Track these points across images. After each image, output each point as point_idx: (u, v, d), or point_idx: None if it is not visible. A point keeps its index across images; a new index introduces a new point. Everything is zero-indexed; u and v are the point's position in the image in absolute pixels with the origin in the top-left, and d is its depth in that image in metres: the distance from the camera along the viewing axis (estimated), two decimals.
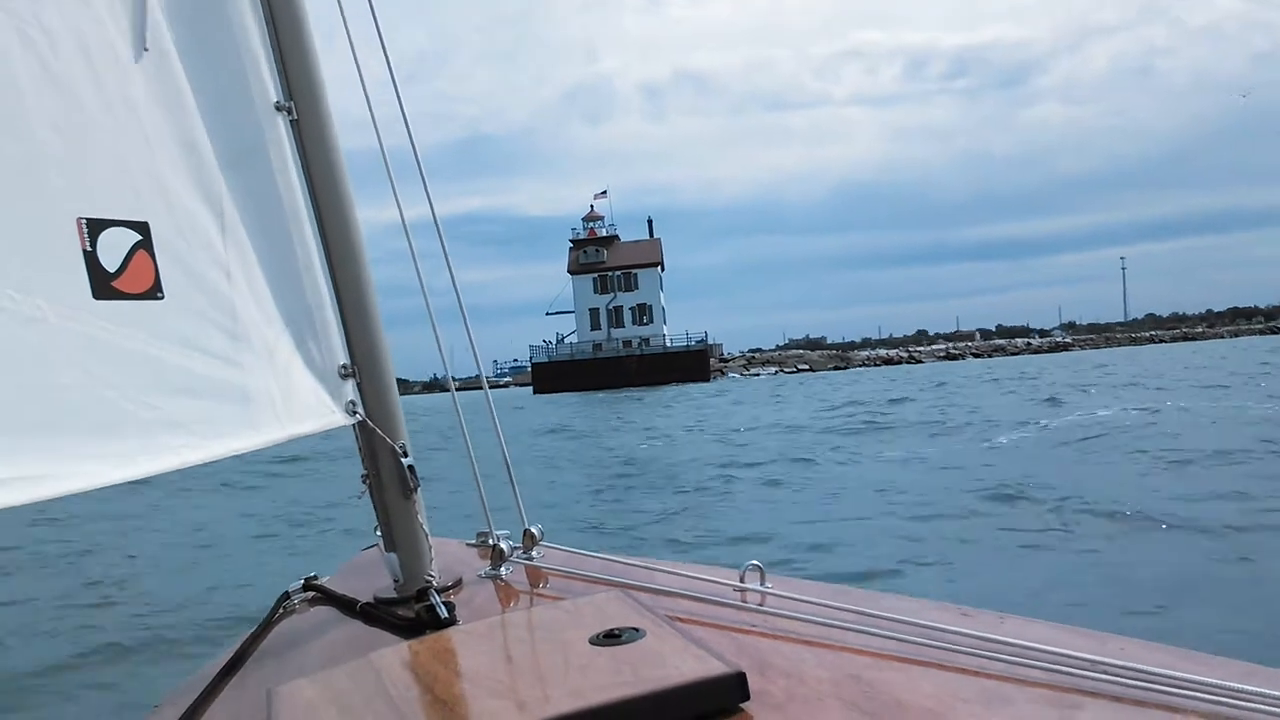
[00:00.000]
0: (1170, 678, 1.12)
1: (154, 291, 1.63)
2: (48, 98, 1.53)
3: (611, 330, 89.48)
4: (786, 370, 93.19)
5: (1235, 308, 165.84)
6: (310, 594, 2.13)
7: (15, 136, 1.48)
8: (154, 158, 1.68)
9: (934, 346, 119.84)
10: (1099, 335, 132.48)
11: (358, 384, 1.94)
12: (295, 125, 1.90)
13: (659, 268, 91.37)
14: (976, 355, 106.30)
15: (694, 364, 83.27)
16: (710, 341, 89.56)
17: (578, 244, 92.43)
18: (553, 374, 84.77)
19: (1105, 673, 1.16)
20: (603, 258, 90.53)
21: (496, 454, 2.21)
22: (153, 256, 1.64)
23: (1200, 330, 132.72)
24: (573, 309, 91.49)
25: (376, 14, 2.08)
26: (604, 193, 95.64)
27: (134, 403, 1.58)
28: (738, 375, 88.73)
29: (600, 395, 63.63)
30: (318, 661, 1.69)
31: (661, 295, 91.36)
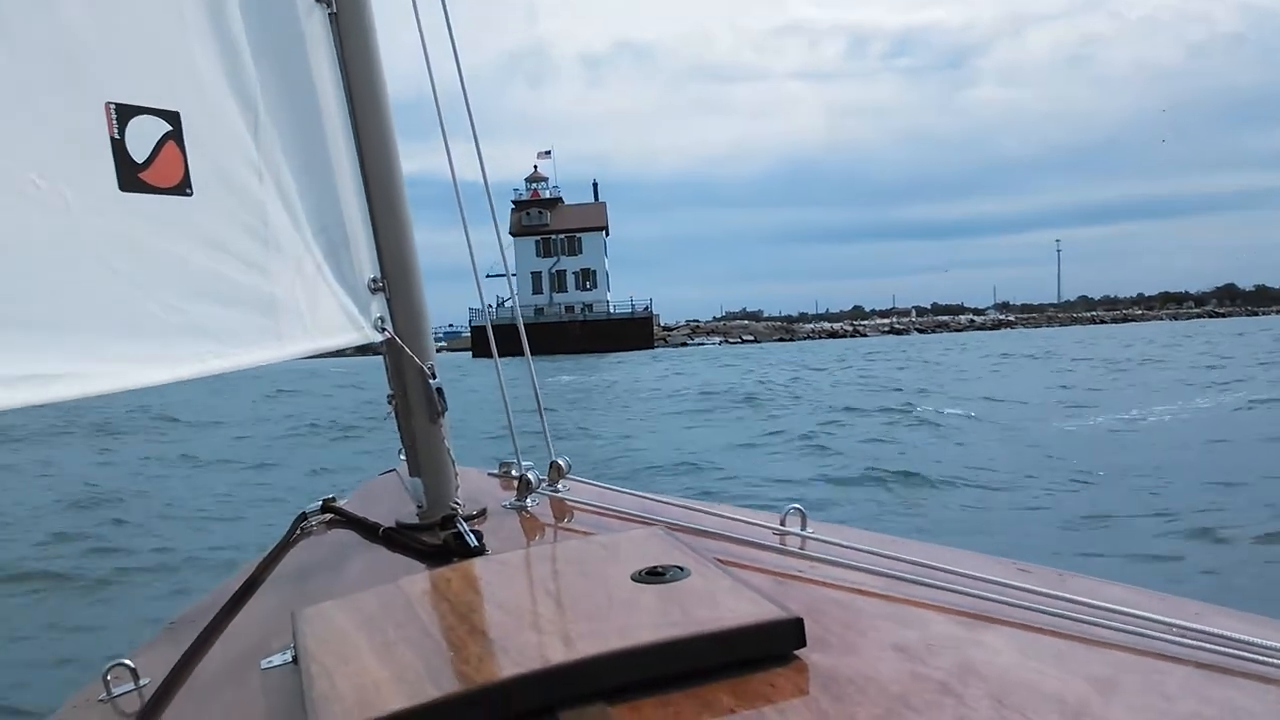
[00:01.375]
0: (1258, 645, 1.07)
1: (183, 187, 1.56)
2: None
3: (554, 295, 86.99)
4: (731, 341, 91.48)
5: (1166, 292, 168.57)
6: (328, 516, 2.08)
7: (46, 15, 1.40)
8: (189, 44, 1.60)
9: (879, 321, 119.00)
10: (1040, 314, 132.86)
11: (387, 299, 1.89)
12: (334, 19, 1.82)
13: (604, 232, 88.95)
14: (921, 330, 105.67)
15: (637, 332, 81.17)
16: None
17: (520, 205, 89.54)
18: (501, 336, 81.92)
19: (1185, 637, 1.11)
20: (546, 220, 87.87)
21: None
22: (182, 149, 1.56)
23: (1140, 313, 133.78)
24: (514, 273, 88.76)
25: None
26: (548, 153, 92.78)
27: (158, 304, 1.51)
28: (692, 344, 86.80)
29: (544, 361, 61.39)
30: (340, 586, 1.65)
31: (606, 261, 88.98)
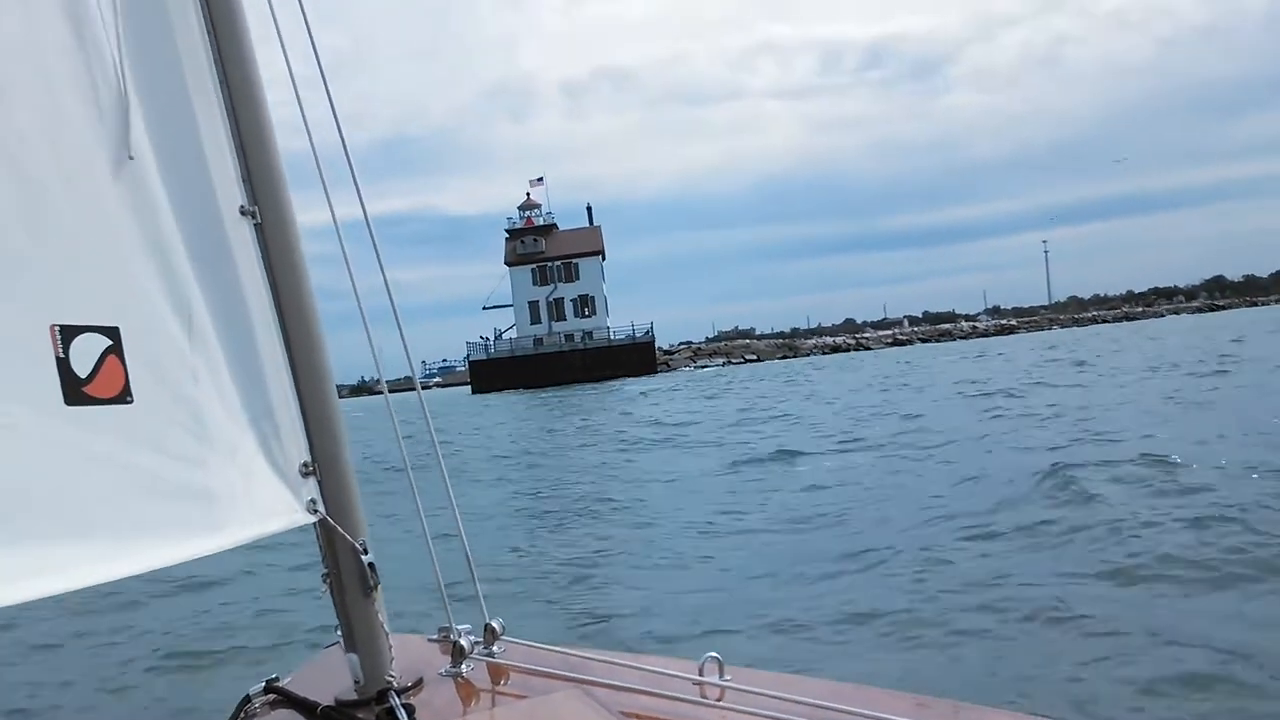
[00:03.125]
0: None
1: (124, 395, 1.65)
2: (23, 205, 1.55)
3: (553, 324, 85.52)
4: (734, 361, 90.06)
5: (1156, 288, 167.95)
6: (271, 697, 2.08)
7: None
8: (125, 262, 1.71)
9: (881, 333, 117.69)
10: (1041, 317, 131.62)
11: (319, 481, 1.94)
12: (260, 229, 1.93)
13: (600, 257, 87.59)
14: (924, 340, 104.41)
15: (640, 358, 79.69)
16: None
17: (514, 234, 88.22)
18: (492, 372, 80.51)
19: None
20: (541, 248, 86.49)
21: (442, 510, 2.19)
22: (123, 361, 1.65)
23: (1140, 310, 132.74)
24: (511, 303, 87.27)
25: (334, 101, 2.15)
26: (540, 180, 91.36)
27: (104, 507, 1.60)
28: (694, 367, 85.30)
29: (548, 394, 59.82)
30: None
31: (604, 286, 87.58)
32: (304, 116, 2.11)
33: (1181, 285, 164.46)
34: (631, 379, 69.04)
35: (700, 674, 1.68)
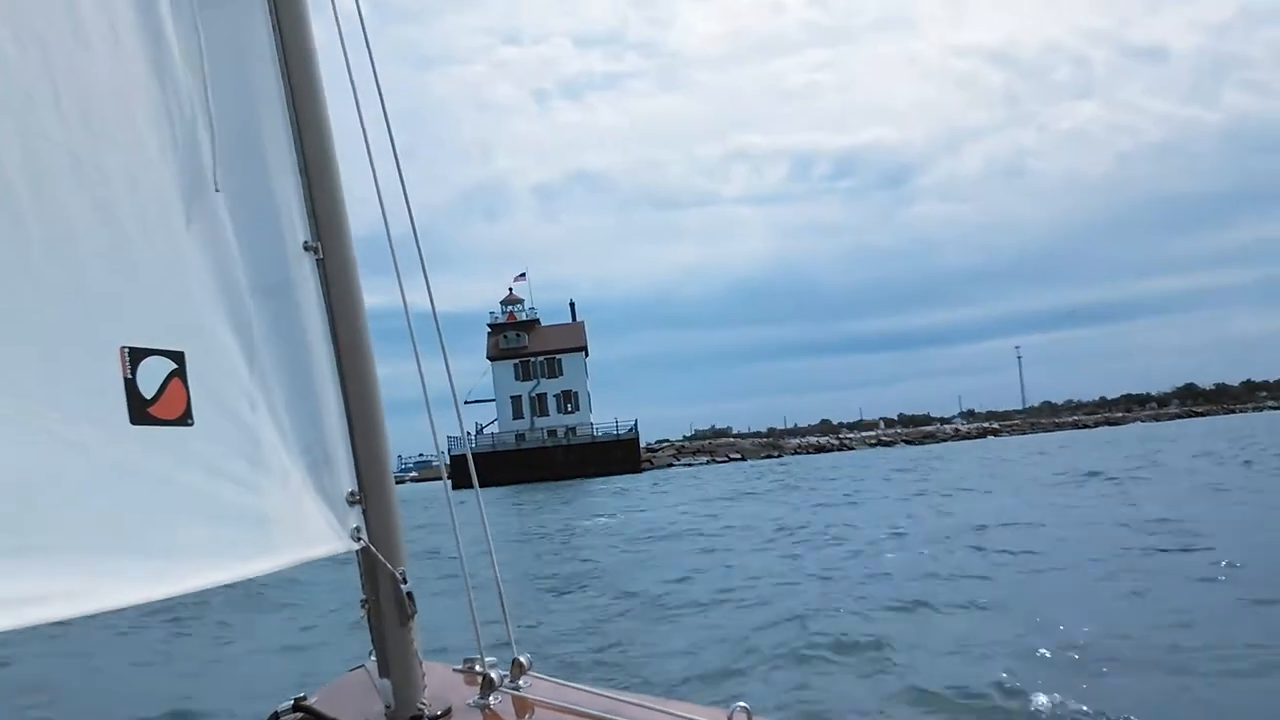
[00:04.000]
0: None
1: (185, 418, 1.71)
2: (100, 231, 1.63)
3: (535, 419, 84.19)
4: (718, 460, 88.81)
5: (1129, 394, 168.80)
6: (299, 715, 2.12)
7: (69, 266, 1.58)
8: (192, 291, 1.78)
9: (865, 434, 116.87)
10: (1023, 421, 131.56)
11: (363, 510, 2.00)
12: (321, 265, 2.00)
13: (584, 352, 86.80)
14: (908, 442, 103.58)
15: (624, 454, 78.29)
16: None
17: (496, 329, 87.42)
18: (472, 469, 78.63)
19: None
20: (524, 343, 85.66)
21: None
22: (186, 385, 1.71)
23: (1120, 415, 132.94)
24: (493, 397, 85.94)
25: (399, 159, 2.21)
26: (523, 275, 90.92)
27: (161, 526, 1.64)
28: (679, 464, 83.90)
29: (532, 488, 58.36)
30: None
31: (587, 382, 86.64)
32: (384, 213, 2.19)
33: (1153, 392, 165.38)
34: (616, 476, 67.59)
35: None
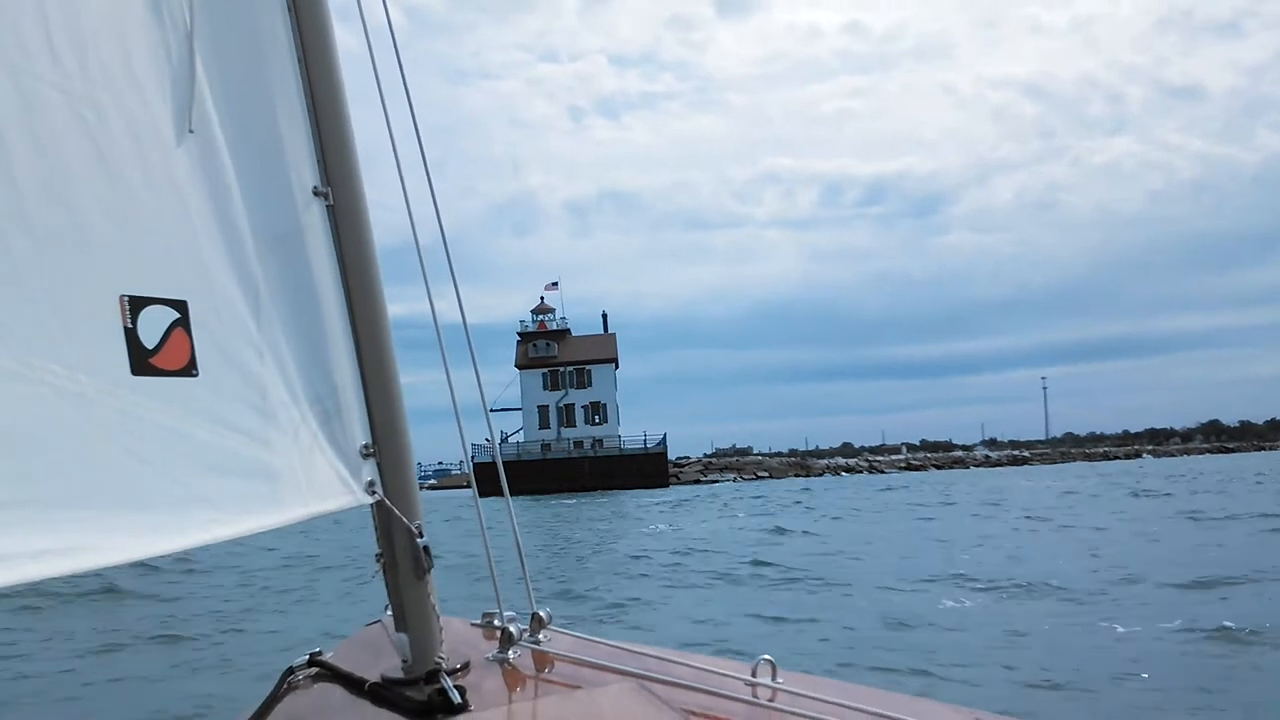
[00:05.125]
0: None
1: (189, 369, 1.66)
2: (96, 175, 1.57)
3: (562, 429, 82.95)
4: (745, 477, 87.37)
5: (1152, 428, 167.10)
6: (315, 670, 2.10)
7: (64, 211, 1.53)
8: (195, 237, 1.72)
9: (895, 457, 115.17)
10: (1054, 450, 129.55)
11: (378, 463, 1.96)
12: (331, 210, 1.94)
13: (614, 364, 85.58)
14: (938, 467, 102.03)
15: (652, 468, 77.00)
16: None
17: (526, 337, 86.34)
18: (496, 475, 77.30)
19: None
20: (554, 352, 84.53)
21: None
22: (189, 334, 1.67)
23: (1151, 448, 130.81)
24: (520, 406, 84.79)
25: (414, 107, 2.21)
26: (555, 284, 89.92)
27: (165, 478, 1.60)
28: (705, 481, 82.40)
29: (556, 500, 57.07)
30: None
31: (616, 394, 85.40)
32: (409, 211, 2.16)
33: (1177, 427, 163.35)
34: (642, 490, 66.26)
35: (754, 675, 1.64)
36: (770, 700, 1.57)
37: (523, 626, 2.04)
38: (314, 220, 1.91)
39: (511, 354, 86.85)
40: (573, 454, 79.63)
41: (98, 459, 1.50)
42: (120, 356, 1.55)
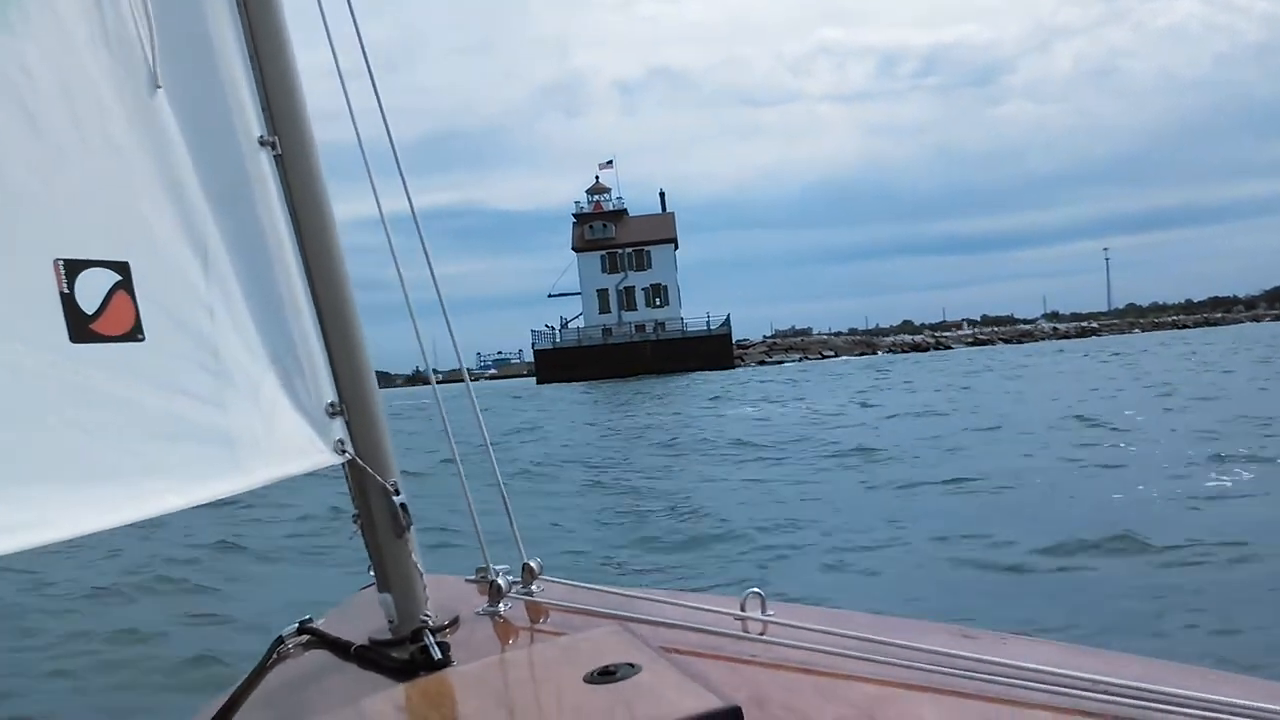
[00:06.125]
0: (1172, 695, 1.14)
1: (134, 333, 1.61)
2: (22, 135, 1.51)
3: (623, 313, 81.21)
4: (810, 357, 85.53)
5: (1215, 297, 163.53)
6: (305, 637, 2.08)
7: None
8: (136, 197, 1.67)
9: (961, 332, 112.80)
10: (1122, 321, 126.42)
11: (346, 422, 1.91)
12: (279, 160, 1.88)
13: (673, 245, 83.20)
14: (1005, 341, 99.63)
15: (717, 350, 75.33)
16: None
17: (582, 219, 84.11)
18: (558, 362, 76.37)
19: (1107, 692, 1.18)
20: (611, 234, 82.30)
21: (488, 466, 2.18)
22: (133, 297, 1.61)
23: (1219, 316, 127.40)
24: (578, 290, 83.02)
25: (355, 11, 2.08)
26: (610, 163, 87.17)
27: (115, 449, 1.56)
28: (770, 362, 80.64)
29: (619, 385, 55.58)
30: (312, 708, 1.72)
31: (677, 275, 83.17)
32: (350, 106, 2.07)
33: (1240, 295, 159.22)
34: (707, 372, 64.67)
35: (742, 609, 1.65)
36: (760, 633, 1.57)
37: (514, 579, 1.99)
38: (262, 171, 1.82)
39: (566, 239, 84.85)
40: (634, 338, 78.00)
41: (41, 432, 1.44)
42: (58, 324, 1.48)
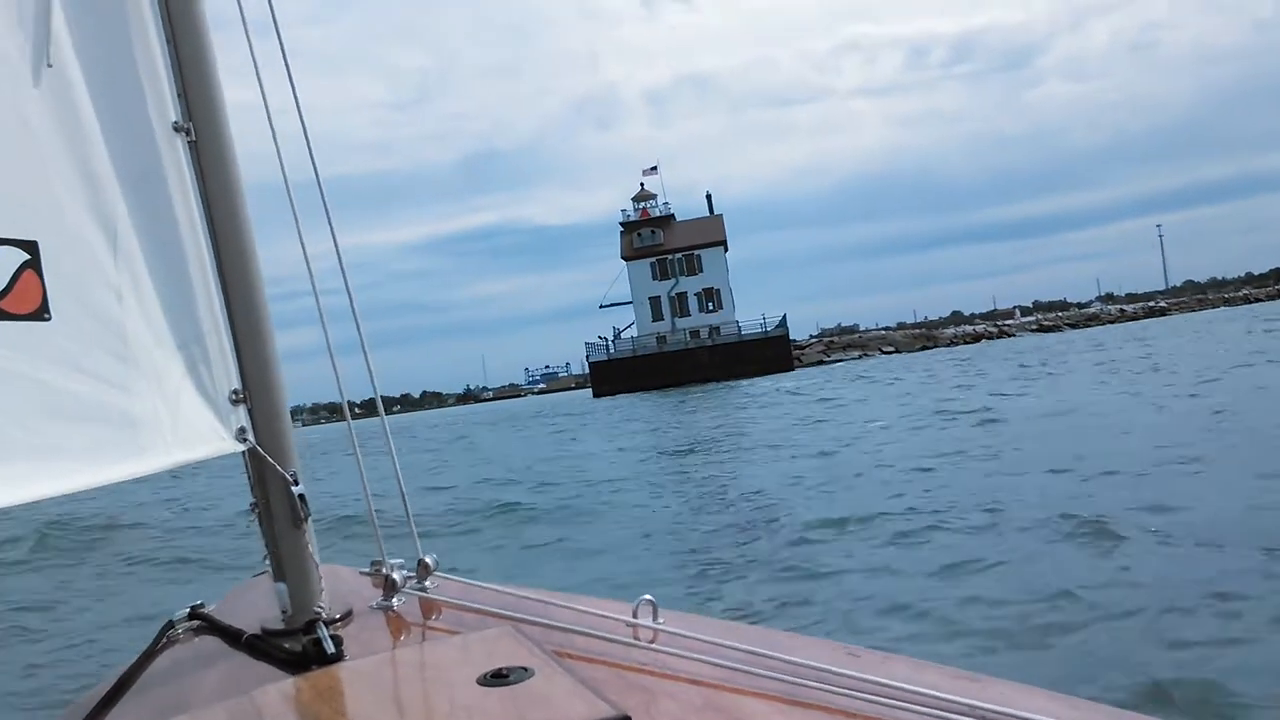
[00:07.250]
0: None
1: (41, 313, 1.62)
2: None
3: (676, 320, 79.61)
4: (869, 354, 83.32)
5: (1278, 269, 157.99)
6: (196, 623, 2.07)
7: None
8: (46, 177, 1.67)
9: (1025, 319, 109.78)
10: (1190, 299, 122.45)
11: (249, 410, 1.91)
12: (194, 147, 1.88)
13: (723, 247, 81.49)
14: (1072, 326, 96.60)
15: (775, 353, 73.36)
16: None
17: (630, 227, 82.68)
18: (614, 373, 74.89)
19: (979, 717, 1.21)
20: (660, 240, 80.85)
21: (393, 479, 2.14)
22: (41, 277, 1.63)
23: None
24: (630, 300, 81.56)
25: (281, 33, 2.06)
26: (654, 169, 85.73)
27: (16, 426, 1.57)
28: (829, 361, 78.54)
29: (683, 394, 53.87)
30: (200, 697, 1.70)
31: (729, 278, 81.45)
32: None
33: None
34: (767, 376, 62.81)
35: (634, 616, 1.65)
36: (650, 641, 1.58)
37: (408, 573, 1.96)
38: (176, 157, 1.82)
39: (613, 250, 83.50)
40: (690, 344, 76.36)
41: None
42: None
